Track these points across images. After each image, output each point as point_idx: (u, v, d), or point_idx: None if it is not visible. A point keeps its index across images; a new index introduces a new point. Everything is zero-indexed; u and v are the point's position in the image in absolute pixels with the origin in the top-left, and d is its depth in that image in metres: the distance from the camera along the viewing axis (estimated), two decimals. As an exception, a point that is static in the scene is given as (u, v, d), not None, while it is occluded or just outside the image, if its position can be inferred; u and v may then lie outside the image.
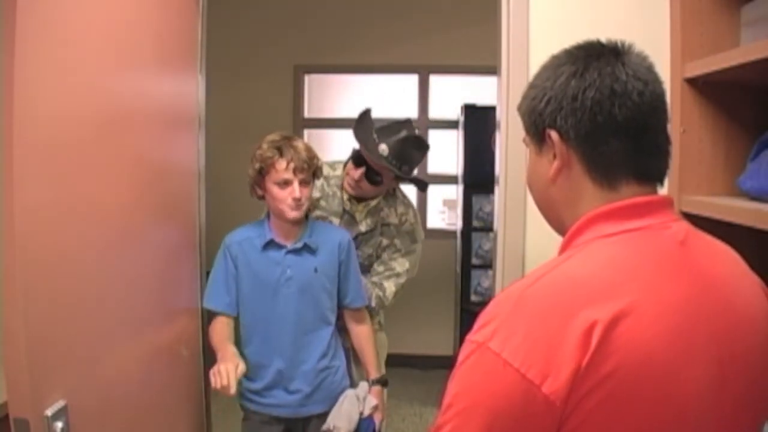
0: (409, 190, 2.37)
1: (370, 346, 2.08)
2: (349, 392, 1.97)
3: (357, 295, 2.04)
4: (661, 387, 0.70)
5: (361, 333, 2.09)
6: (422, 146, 2.15)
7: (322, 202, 2.18)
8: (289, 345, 1.92)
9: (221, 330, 1.92)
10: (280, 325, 1.91)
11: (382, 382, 2.07)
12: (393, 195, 2.22)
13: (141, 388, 1.55)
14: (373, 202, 2.17)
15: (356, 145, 2.11)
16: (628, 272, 0.75)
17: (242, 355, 1.93)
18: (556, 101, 0.82)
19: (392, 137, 2.07)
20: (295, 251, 1.93)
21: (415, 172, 2.22)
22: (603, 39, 0.85)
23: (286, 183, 1.84)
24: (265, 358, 1.92)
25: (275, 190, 1.85)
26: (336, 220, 2.16)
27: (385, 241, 2.19)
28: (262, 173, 1.86)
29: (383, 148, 2.04)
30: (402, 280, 2.18)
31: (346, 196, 2.15)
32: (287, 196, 1.85)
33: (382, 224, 2.18)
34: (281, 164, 1.83)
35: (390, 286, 2.16)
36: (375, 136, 2.08)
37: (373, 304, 2.13)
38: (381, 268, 2.19)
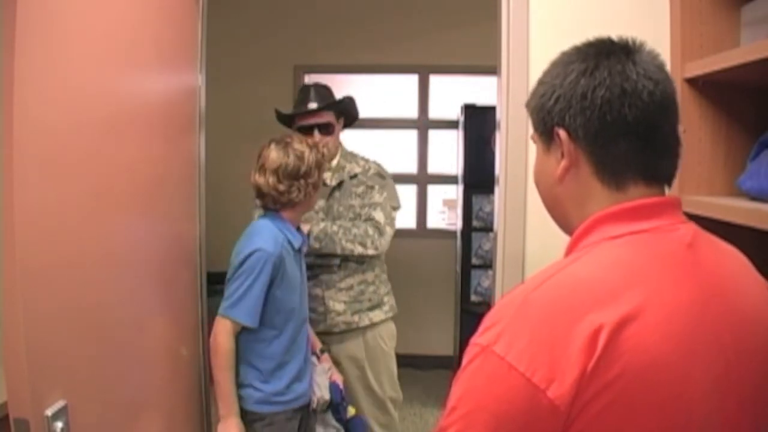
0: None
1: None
2: (318, 367, 2.11)
3: None
4: (666, 390, 0.70)
5: None
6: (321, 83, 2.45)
7: None
8: (305, 336, 2.03)
9: (232, 363, 1.86)
10: (301, 319, 1.99)
11: (326, 350, 2.24)
12: (351, 154, 2.43)
13: (141, 388, 1.55)
14: (335, 162, 2.37)
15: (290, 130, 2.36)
16: (635, 275, 0.74)
17: (261, 357, 1.91)
18: (565, 99, 0.81)
19: (301, 96, 2.38)
20: (300, 248, 2.00)
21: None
22: (614, 36, 0.84)
23: None
24: (288, 355, 1.94)
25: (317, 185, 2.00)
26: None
27: (360, 189, 2.35)
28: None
29: (309, 105, 2.32)
30: (387, 208, 2.33)
31: None
32: None
33: (350, 177, 2.36)
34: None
35: (377, 215, 2.30)
36: (293, 109, 2.39)
37: (371, 231, 2.25)
38: (365, 207, 2.33)
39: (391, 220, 2.32)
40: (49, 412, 1.09)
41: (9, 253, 1.03)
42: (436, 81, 4.49)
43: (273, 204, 1.93)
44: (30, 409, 1.06)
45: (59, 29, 1.16)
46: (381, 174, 2.40)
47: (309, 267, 2.23)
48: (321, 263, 2.27)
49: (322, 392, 2.05)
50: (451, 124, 4.38)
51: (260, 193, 1.93)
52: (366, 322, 2.33)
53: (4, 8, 1.00)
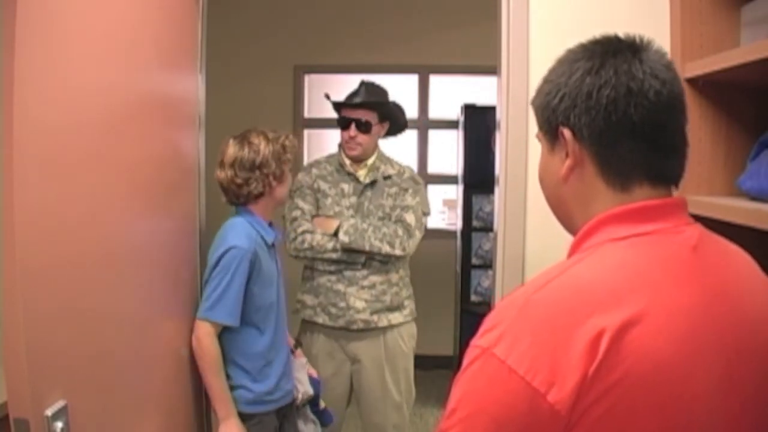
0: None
1: None
2: (296, 363, 2.14)
3: None
4: (667, 391, 0.70)
5: None
6: (377, 84, 2.48)
7: (328, 198, 2.36)
8: (285, 333, 2.04)
9: (221, 365, 1.85)
10: (280, 317, 1.99)
11: (298, 345, 2.26)
12: (387, 157, 2.49)
13: (141, 388, 1.55)
14: (370, 161, 2.41)
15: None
16: (638, 278, 0.73)
17: (246, 356, 1.91)
18: (570, 98, 0.80)
19: (353, 90, 2.42)
20: (274, 244, 2.01)
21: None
22: (621, 34, 0.83)
23: None
24: (272, 354, 1.94)
25: (289, 177, 2.00)
26: (349, 191, 2.36)
27: (393, 190, 2.39)
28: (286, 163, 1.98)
29: (354, 99, 2.37)
30: (418, 212, 2.35)
31: (348, 162, 2.38)
32: None
33: (384, 177, 2.39)
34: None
35: (409, 217, 2.31)
36: (343, 101, 2.43)
37: (400, 232, 2.27)
38: (396, 208, 2.35)
39: (421, 225, 2.34)
40: (49, 412, 1.09)
41: (9, 253, 1.03)
42: (436, 81, 4.49)
43: (235, 198, 1.95)
44: (30, 409, 1.06)
45: (59, 29, 1.16)
46: (415, 179, 2.44)
47: (334, 262, 2.28)
48: (346, 259, 2.28)
49: (305, 387, 2.10)
50: (451, 124, 4.38)
51: (223, 189, 1.96)
52: (384, 323, 2.33)
53: (4, 8, 1.00)
